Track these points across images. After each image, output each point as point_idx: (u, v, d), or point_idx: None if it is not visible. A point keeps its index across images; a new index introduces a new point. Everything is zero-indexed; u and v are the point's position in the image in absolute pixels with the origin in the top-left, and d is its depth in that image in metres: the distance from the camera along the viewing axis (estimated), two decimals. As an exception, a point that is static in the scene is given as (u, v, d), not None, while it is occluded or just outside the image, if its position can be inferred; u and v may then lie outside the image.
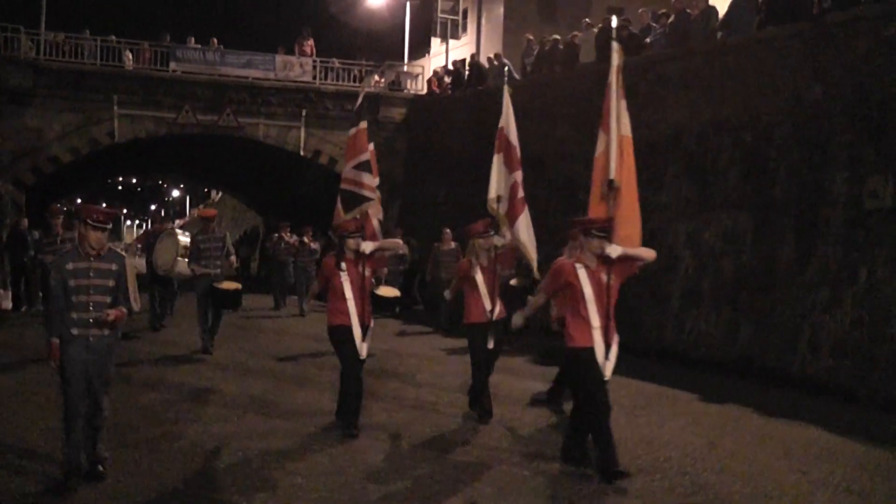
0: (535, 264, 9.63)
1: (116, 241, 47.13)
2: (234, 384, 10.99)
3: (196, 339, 13.54)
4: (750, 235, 13.34)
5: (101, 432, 7.00)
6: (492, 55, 23.57)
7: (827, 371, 11.62)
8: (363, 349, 8.69)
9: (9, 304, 18.47)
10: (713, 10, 15.59)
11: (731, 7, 14.96)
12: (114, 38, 24.18)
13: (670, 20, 16.38)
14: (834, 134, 12.27)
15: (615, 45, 8.32)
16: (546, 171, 18.89)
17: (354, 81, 26.31)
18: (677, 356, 13.79)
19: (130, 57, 24.20)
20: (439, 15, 29.34)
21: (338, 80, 26.03)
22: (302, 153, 25.00)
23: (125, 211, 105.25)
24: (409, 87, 27.18)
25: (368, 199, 9.48)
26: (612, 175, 7.74)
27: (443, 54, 30.15)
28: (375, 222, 9.66)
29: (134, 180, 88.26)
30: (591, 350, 7.29)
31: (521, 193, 9.59)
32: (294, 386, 11.05)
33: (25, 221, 19.24)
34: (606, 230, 7.40)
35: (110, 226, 6.90)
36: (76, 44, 23.75)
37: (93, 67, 23.37)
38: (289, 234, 20.31)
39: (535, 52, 20.85)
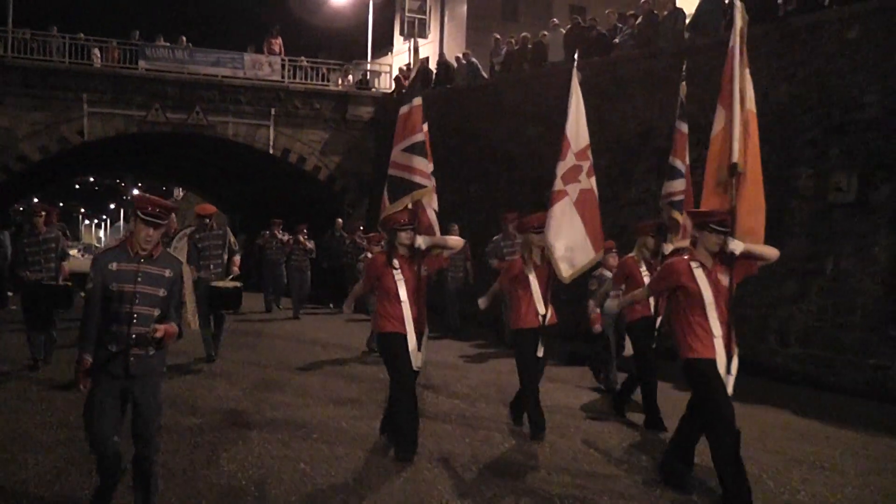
0: (560, 266, 8.27)
1: (74, 241, 45.86)
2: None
3: (200, 346, 12.41)
4: (719, 230, 13.78)
5: (153, 484, 5.78)
6: (460, 54, 23.89)
7: (795, 359, 12.15)
8: (418, 358, 7.56)
9: (-17, 304, 18.51)
10: (680, 11, 16.07)
11: (698, 9, 15.44)
12: (82, 35, 24.12)
13: (638, 21, 16.81)
14: (799, 132, 12.75)
15: (738, 2, 7.29)
16: (515, 170, 19.27)
17: (322, 80, 26.56)
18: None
19: (98, 54, 24.14)
20: (406, 14, 29.67)
21: (306, 79, 26.21)
22: (271, 151, 25.14)
23: (82, 210, 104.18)
24: (376, 85, 27.46)
25: (420, 187, 7.99)
26: (736, 157, 6.67)
27: (405, 52, 30.47)
28: (431, 213, 8.21)
29: (91, 179, 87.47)
30: (714, 362, 6.41)
31: (558, 186, 8.43)
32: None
33: (-4, 222, 19.37)
34: (725, 224, 6.45)
35: (165, 222, 5.63)
36: (44, 41, 23.68)
37: (62, 66, 23.34)
38: (281, 231, 19.34)
39: (504, 51, 21.20)
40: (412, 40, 29.84)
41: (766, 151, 13.24)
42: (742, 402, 10.27)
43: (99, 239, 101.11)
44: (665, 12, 16.29)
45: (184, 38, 25.30)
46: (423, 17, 30.28)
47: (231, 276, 12.28)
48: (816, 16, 12.90)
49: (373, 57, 29.87)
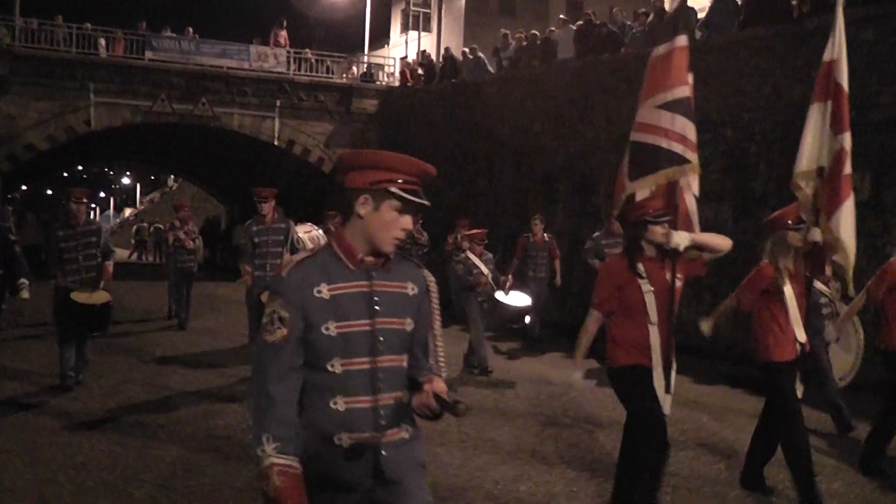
0: (850, 273, 6.71)
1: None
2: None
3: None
4: (730, 226, 14.05)
5: None
6: (465, 49, 24.11)
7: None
8: (666, 403, 5.44)
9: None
10: (692, 10, 16.28)
11: (711, 8, 15.68)
12: (89, 25, 24.24)
13: (649, 19, 17.02)
14: (812, 131, 13.00)
15: None
16: (522, 165, 19.50)
17: (327, 72, 26.74)
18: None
19: (103, 44, 24.24)
20: (411, 7, 29.86)
21: (311, 72, 26.38)
22: (276, 143, 25.33)
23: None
24: (380, 78, 27.66)
25: (683, 161, 5.60)
26: None
27: (402, 45, 30.70)
28: (691, 199, 5.82)
29: (80, 167, 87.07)
30: None
31: (847, 168, 6.46)
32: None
33: (10, 209, 19.49)
34: None
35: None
36: (51, 31, 23.81)
37: (69, 55, 23.45)
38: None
39: (512, 47, 21.41)
40: (409, 32, 30.15)
41: (777, 150, 13.66)
42: (757, 395, 10.72)
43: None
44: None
45: (190, 30, 25.46)
46: (428, 10, 30.49)
47: None
48: (830, 17, 13.12)
49: (370, 50, 30.03)
